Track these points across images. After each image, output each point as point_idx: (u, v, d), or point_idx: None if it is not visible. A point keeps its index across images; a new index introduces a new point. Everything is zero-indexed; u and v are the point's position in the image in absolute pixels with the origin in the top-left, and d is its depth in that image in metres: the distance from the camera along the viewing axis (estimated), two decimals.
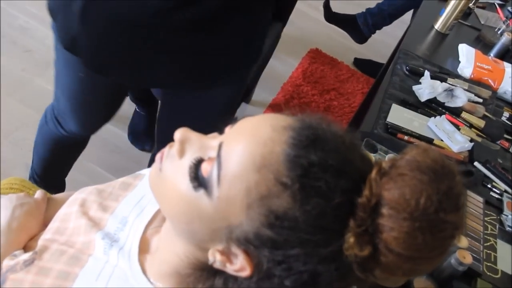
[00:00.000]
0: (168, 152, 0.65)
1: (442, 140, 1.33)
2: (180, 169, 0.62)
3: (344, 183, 0.56)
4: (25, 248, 0.82)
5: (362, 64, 3.05)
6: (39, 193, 0.94)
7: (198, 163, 0.61)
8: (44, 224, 0.87)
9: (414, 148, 0.58)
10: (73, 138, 1.51)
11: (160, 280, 0.70)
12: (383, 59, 2.74)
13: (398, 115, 1.35)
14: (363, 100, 2.57)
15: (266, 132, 0.58)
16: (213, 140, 0.63)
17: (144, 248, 0.74)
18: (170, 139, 0.65)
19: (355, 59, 3.08)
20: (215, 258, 0.61)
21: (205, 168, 0.60)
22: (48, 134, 1.56)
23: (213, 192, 0.59)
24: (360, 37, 2.89)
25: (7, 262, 0.75)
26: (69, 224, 0.81)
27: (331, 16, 2.89)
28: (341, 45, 3.11)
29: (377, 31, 2.88)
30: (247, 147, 0.58)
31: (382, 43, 3.13)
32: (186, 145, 0.63)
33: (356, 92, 2.83)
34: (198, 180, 0.60)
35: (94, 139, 1.67)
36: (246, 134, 0.59)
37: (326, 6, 2.86)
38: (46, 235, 0.80)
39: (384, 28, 2.88)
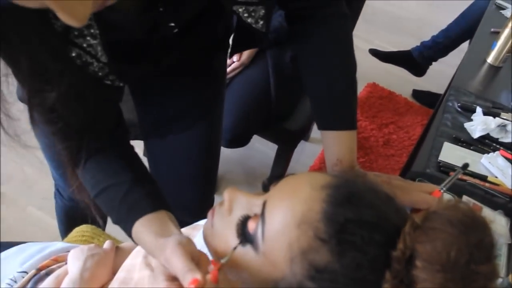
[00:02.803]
0: (219, 210, 0.71)
1: (496, 177, 1.33)
2: (229, 226, 0.68)
3: (379, 237, 0.60)
4: None
5: (421, 96, 3.05)
6: (108, 243, 1.02)
7: (245, 220, 0.67)
8: (113, 273, 0.94)
9: (446, 202, 0.62)
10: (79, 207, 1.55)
11: None
12: (441, 89, 2.73)
13: (451, 153, 1.36)
14: (422, 132, 2.56)
15: (306, 191, 0.64)
16: (258, 198, 0.69)
17: None
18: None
19: (414, 90, 3.08)
20: None
21: (251, 225, 0.66)
22: (59, 210, 1.62)
23: (259, 247, 0.64)
24: (418, 70, 2.90)
25: None
26: (134, 275, 0.88)
27: (385, 57, 2.93)
28: (398, 78, 3.12)
29: (433, 62, 2.89)
30: (288, 205, 0.63)
31: (440, 73, 3.11)
32: (234, 203, 0.70)
33: (416, 124, 2.83)
34: (245, 236, 0.66)
35: None
36: (287, 193, 0.65)
37: (375, 53, 2.91)
38: (114, 284, 0.87)
39: (441, 58, 2.87)
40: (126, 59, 0.88)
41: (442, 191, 0.83)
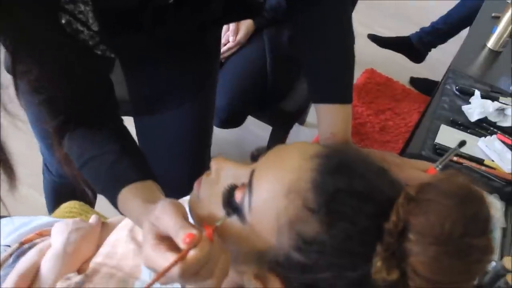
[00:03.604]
0: (205, 180, 0.68)
1: (493, 161, 1.30)
2: (216, 196, 0.65)
3: (370, 208, 0.57)
4: (79, 271, 0.86)
5: (419, 83, 3.02)
6: (93, 218, 0.99)
7: (231, 189, 0.64)
8: (98, 248, 0.91)
9: (442, 174, 0.59)
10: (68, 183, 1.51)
11: None
12: (439, 77, 2.71)
13: (447, 136, 1.34)
14: (419, 119, 2.54)
15: (295, 160, 0.61)
16: (246, 167, 0.66)
17: None
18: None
19: (412, 78, 3.05)
20: (250, 281, 0.64)
21: (238, 195, 0.63)
22: (47, 185, 1.59)
23: (245, 217, 0.62)
24: (417, 56, 2.87)
25: (60, 285, 0.80)
26: (119, 249, 0.86)
27: (383, 42, 2.89)
28: (396, 64, 3.09)
29: (432, 49, 2.86)
30: (276, 174, 0.61)
31: (438, 61, 3.07)
32: (221, 172, 0.67)
33: (413, 111, 2.80)
34: (231, 206, 0.63)
35: None
36: (276, 162, 0.62)
37: (374, 38, 2.87)
38: (97, 258, 0.85)
39: (440, 46, 2.84)
40: (118, 29, 0.85)
41: (437, 169, 0.80)
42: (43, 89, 0.79)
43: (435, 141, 1.32)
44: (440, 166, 0.80)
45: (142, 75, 1.19)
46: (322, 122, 0.90)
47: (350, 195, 0.58)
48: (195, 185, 0.70)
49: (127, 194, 0.77)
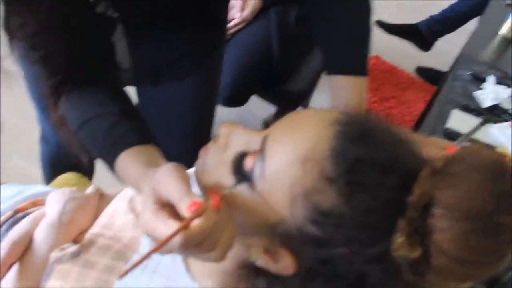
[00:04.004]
0: (213, 146, 0.64)
1: (505, 148, 1.27)
2: (224, 163, 0.61)
3: (393, 180, 0.53)
4: (75, 242, 0.82)
5: (425, 72, 2.98)
6: (91, 188, 0.95)
7: (241, 156, 0.59)
8: (95, 219, 0.87)
9: (469, 148, 0.55)
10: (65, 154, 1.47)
11: (203, 278, 0.69)
12: (446, 67, 2.67)
13: (459, 121, 1.30)
14: (424, 108, 2.50)
15: (313, 127, 0.57)
16: (258, 133, 0.61)
17: None
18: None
19: (418, 67, 3.01)
20: (258, 256, 0.59)
21: (248, 162, 0.58)
22: (44, 157, 1.54)
23: (256, 186, 0.57)
24: (424, 44, 2.82)
25: (55, 254, 0.76)
26: (117, 220, 0.82)
27: (390, 29, 2.85)
28: (402, 53, 3.04)
29: (439, 39, 2.81)
30: (292, 140, 0.56)
31: (445, 52, 3.03)
32: (230, 139, 0.62)
33: (418, 100, 2.76)
34: (241, 174, 0.58)
35: None
36: (292, 127, 0.58)
37: (382, 24, 2.82)
38: (94, 229, 0.81)
39: (447, 36, 2.80)
40: None
41: (456, 147, 0.76)
42: (39, 45, 0.74)
43: (447, 125, 1.28)
44: (460, 145, 0.76)
45: (146, 43, 1.14)
46: (336, 95, 0.86)
47: (371, 165, 0.53)
48: (201, 152, 0.65)
49: (126, 158, 0.73)
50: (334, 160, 0.53)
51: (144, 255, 0.52)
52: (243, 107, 1.87)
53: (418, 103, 2.73)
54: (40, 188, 1.03)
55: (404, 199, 0.52)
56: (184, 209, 0.52)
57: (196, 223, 0.51)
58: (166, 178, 0.55)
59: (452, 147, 0.75)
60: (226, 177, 0.60)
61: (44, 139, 1.48)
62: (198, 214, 0.51)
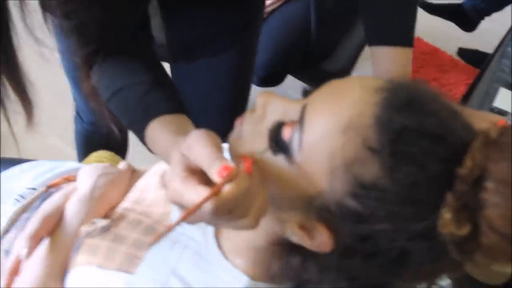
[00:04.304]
0: (249, 117, 0.60)
1: None
2: (261, 134, 0.57)
3: (442, 151, 0.49)
4: (105, 217, 0.81)
5: (467, 54, 2.87)
6: (124, 164, 0.94)
7: (278, 126, 0.56)
8: (126, 195, 0.86)
9: None
10: (99, 132, 1.44)
11: (235, 255, 0.66)
12: (490, 49, 2.57)
13: (506, 100, 1.24)
14: (466, 91, 2.41)
15: (356, 94, 0.53)
16: (297, 103, 0.57)
17: None
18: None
19: (460, 49, 2.91)
20: (293, 231, 0.56)
21: (286, 132, 0.55)
22: (78, 134, 1.53)
23: (293, 157, 0.54)
24: (468, 25, 2.72)
25: (85, 229, 0.74)
26: (149, 195, 0.80)
27: (433, 9, 2.75)
28: (443, 34, 2.94)
29: (485, 19, 2.71)
30: (333, 109, 0.52)
31: (490, 32, 2.92)
32: (268, 108, 0.59)
33: (460, 83, 2.67)
34: (278, 143, 0.55)
35: None
36: (332, 95, 0.54)
37: (424, 5, 2.73)
38: (125, 204, 0.79)
39: (493, 15, 2.69)
40: None
41: (509, 122, 0.71)
42: (72, 14, 0.72)
43: (493, 104, 1.23)
44: None
45: (181, 19, 1.12)
46: (379, 68, 0.81)
47: (419, 134, 0.49)
48: (237, 122, 0.62)
49: (156, 126, 0.71)
50: (378, 128, 0.50)
51: (173, 224, 0.49)
52: (278, 88, 1.83)
53: (460, 86, 2.64)
54: (73, 164, 1.02)
55: (453, 172, 0.48)
56: (215, 174, 0.48)
57: (227, 188, 0.48)
58: (196, 143, 0.51)
59: (504, 122, 0.70)
60: (262, 148, 0.57)
61: (78, 116, 1.47)
62: (229, 179, 0.48)
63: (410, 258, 0.51)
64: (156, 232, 0.72)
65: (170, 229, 0.50)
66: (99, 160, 1.21)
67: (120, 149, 1.52)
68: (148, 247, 0.62)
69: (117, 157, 1.27)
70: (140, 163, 0.92)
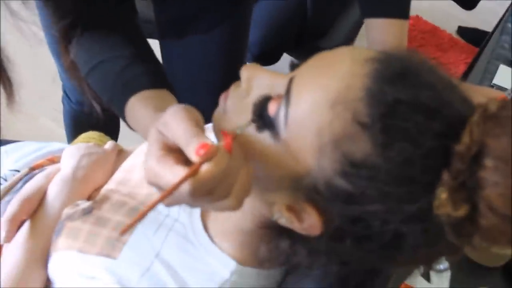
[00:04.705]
0: (234, 91, 0.57)
1: None
2: (245, 109, 0.54)
3: (438, 126, 0.46)
4: (89, 198, 0.78)
5: (467, 33, 2.84)
6: (109, 144, 0.90)
7: (264, 100, 0.52)
8: (112, 176, 0.83)
9: None
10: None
11: (223, 238, 0.63)
12: (489, 27, 2.53)
13: (506, 77, 1.21)
14: (465, 70, 2.38)
15: (345, 65, 0.49)
16: (284, 77, 0.54)
17: None
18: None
19: (459, 27, 2.87)
20: (281, 213, 0.53)
21: (272, 107, 0.51)
22: (66, 115, 1.50)
23: (279, 133, 0.50)
24: (468, 2, 2.68)
25: (67, 211, 0.71)
26: (134, 176, 0.77)
27: None
28: (443, 12, 2.90)
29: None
30: (320, 81, 0.49)
31: (489, 11, 2.88)
32: (253, 82, 0.55)
33: (459, 62, 2.63)
34: (263, 119, 0.51)
35: None
36: (320, 67, 0.51)
37: None
38: (109, 185, 0.76)
39: None
40: None
41: (509, 97, 0.68)
42: None
43: (493, 82, 1.19)
44: None
45: None
46: (374, 41, 0.78)
47: (414, 108, 0.46)
48: (222, 97, 0.58)
49: (136, 102, 0.67)
50: (368, 102, 0.46)
51: (146, 208, 0.46)
52: (274, 66, 1.79)
53: (460, 65, 2.61)
54: (59, 145, 1.00)
55: (450, 148, 0.45)
56: (192, 153, 0.45)
57: (205, 168, 0.44)
58: (173, 120, 0.48)
59: (505, 97, 0.67)
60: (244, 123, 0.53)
61: (65, 95, 1.44)
62: (207, 157, 0.44)
63: (404, 241, 0.48)
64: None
65: (144, 213, 0.47)
66: (87, 141, 1.18)
67: (111, 130, 1.49)
68: (121, 233, 0.59)
69: (106, 137, 1.23)
70: (131, 144, 0.88)
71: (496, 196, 0.43)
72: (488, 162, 0.44)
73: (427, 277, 0.59)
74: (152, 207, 0.46)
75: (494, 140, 0.44)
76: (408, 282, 0.83)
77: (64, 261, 0.66)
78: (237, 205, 0.48)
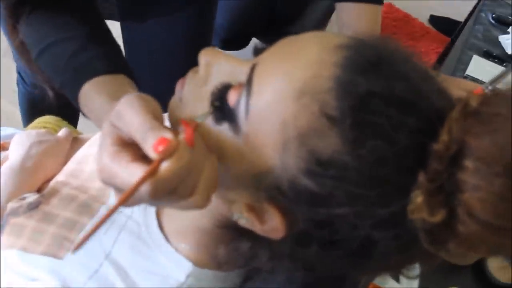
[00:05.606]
0: (191, 78, 0.52)
1: None
2: (203, 98, 0.49)
3: (414, 122, 0.41)
4: (39, 190, 0.72)
5: (439, 22, 2.84)
6: (63, 131, 0.84)
7: (224, 89, 0.47)
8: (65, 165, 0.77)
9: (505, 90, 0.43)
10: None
11: (179, 237, 0.58)
12: (461, 17, 2.53)
13: (480, 68, 1.19)
14: (436, 60, 2.37)
15: (312, 52, 0.44)
16: (246, 63, 0.49)
17: None
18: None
19: (431, 16, 2.86)
20: (241, 214, 0.48)
21: (232, 96, 0.46)
22: (21, 98, 1.44)
23: (239, 126, 0.45)
24: None
25: (12, 204, 0.66)
26: (86, 167, 0.71)
27: None
28: (415, 1, 2.89)
29: None
30: (285, 69, 0.44)
31: (461, 1, 2.88)
32: (213, 68, 0.50)
33: (431, 51, 2.63)
34: (222, 110, 0.47)
35: None
36: (286, 54, 0.46)
37: None
38: (59, 177, 0.70)
39: None
40: None
41: (486, 90, 0.64)
42: None
43: (466, 73, 1.18)
44: (490, 87, 0.64)
45: None
46: (345, 26, 0.73)
47: (387, 101, 0.41)
48: (178, 84, 0.53)
49: (91, 89, 0.62)
50: (338, 93, 0.42)
51: (105, 216, 0.41)
52: (243, 52, 1.73)
53: (431, 54, 2.61)
54: (12, 130, 0.93)
55: (427, 147, 0.41)
56: (150, 149, 0.40)
57: (165, 166, 0.40)
58: (127, 110, 0.43)
59: (481, 90, 0.63)
60: (202, 113, 0.48)
61: (20, 77, 1.37)
62: (167, 154, 0.40)
63: (374, 248, 0.44)
64: (92, 211, 0.63)
65: (99, 225, 0.41)
66: (42, 126, 1.11)
67: (70, 113, 1.42)
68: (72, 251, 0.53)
69: (63, 122, 1.17)
70: (93, 130, 0.83)
71: (476, 200, 0.39)
72: (468, 163, 0.40)
73: (396, 277, 0.55)
74: (110, 214, 0.41)
75: (475, 139, 0.40)
76: (376, 282, 0.80)
77: (5, 262, 0.61)
78: (204, 203, 0.43)
